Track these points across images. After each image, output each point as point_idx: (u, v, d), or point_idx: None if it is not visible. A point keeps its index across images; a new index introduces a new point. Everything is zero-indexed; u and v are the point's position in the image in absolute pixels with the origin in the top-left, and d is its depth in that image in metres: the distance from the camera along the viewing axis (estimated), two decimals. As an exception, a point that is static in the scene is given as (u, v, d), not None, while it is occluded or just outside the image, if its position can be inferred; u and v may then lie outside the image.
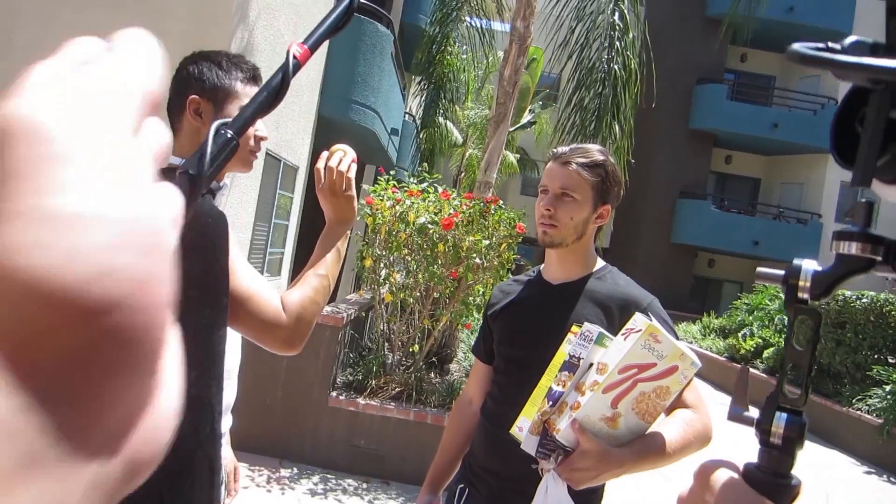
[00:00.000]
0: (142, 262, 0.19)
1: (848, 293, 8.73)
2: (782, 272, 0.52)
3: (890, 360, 8.52)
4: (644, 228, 21.11)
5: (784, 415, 0.50)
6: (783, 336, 10.36)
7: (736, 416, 0.55)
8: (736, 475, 0.50)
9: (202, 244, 1.11)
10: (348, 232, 1.38)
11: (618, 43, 6.70)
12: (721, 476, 0.50)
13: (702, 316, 14.55)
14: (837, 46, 0.42)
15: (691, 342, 13.05)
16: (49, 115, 0.19)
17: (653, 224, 20.98)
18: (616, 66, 6.65)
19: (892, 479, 6.92)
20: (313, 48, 0.63)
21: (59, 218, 0.17)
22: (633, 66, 6.71)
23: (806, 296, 0.50)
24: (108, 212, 0.18)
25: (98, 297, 0.17)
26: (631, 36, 6.73)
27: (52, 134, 0.19)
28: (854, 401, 8.06)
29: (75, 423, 0.18)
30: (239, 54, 1.39)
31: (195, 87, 1.30)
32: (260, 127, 1.37)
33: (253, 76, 1.35)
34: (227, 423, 1.44)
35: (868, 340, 8.47)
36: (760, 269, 0.55)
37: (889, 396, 7.52)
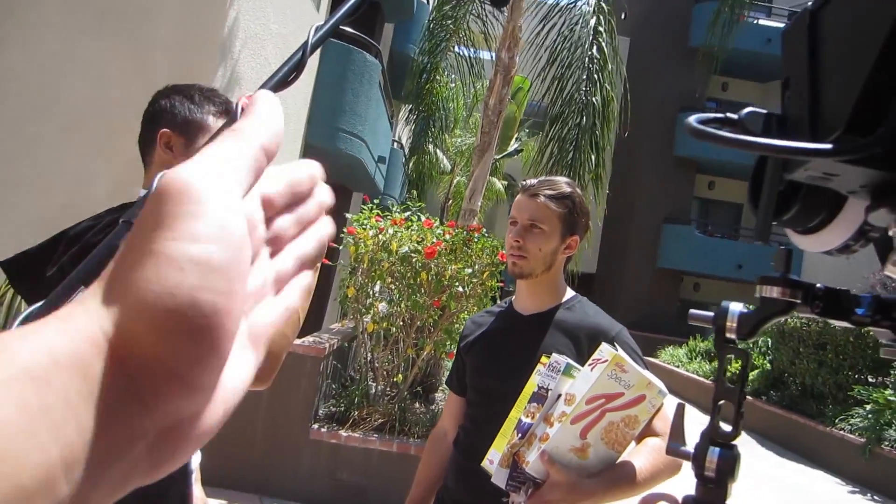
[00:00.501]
0: (234, 301, 0.27)
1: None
2: (712, 314, 0.55)
3: (870, 380, 8.62)
4: (630, 254, 21.27)
5: (717, 449, 0.52)
6: (767, 358, 10.53)
7: (674, 450, 0.58)
8: None
9: None
10: (318, 265, 1.37)
11: (596, 76, 6.82)
12: None
13: (688, 340, 14.61)
14: (735, 117, 0.45)
15: (678, 366, 13.07)
16: (194, 180, 0.27)
17: (639, 249, 21.16)
18: (594, 99, 6.77)
19: (876, 497, 6.94)
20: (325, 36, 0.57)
21: (187, 261, 0.25)
22: (611, 97, 6.82)
23: (733, 336, 0.53)
24: (222, 262, 0.26)
25: (197, 321, 0.25)
26: (609, 68, 6.85)
27: (193, 195, 0.26)
28: (837, 421, 8.13)
29: (149, 393, 0.26)
30: (212, 88, 1.39)
31: (167, 120, 1.31)
32: None
33: (226, 109, 1.35)
34: (195, 458, 1.42)
35: (848, 361, 8.58)
36: (693, 312, 0.58)
37: (870, 416, 7.59)
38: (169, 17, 5.01)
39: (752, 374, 10.41)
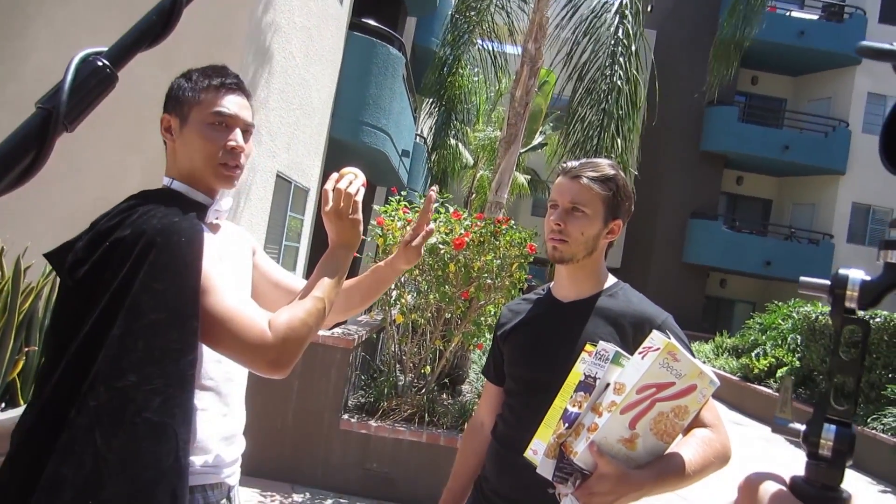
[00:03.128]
0: None
1: (860, 312, 8.66)
2: (828, 282, 0.51)
3: (904, 380, 8.42)
4: (656, 249, 21.05)
5: (833, 426, 0.49)
6: (797, 356, 10.33)
7: (781, 427, 0.54)
8: (784, 488, 0.49)
9: (174, 265, 1.08)
10: (350, 257, 1.33)
11: (621, 58, 6.70)
12: (768, 488, 0.49)
13: (714, 336, 14.42)
14: None
15: (704, 362, 12.89)
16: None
17: (665, 244, 20.93)
18: (619, 81, 6.65)
19: (909, 499, 6.79)
20: None
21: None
22: (637, 80, 6.69)
23: (853, 305, 0.50)
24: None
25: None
26: (633, 48, 6.72)
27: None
28: (869, 420, 7.98)
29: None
30: (218, 66, 1.35)
31: (166, 105, 1.30)
32: (235, 136, 1.30)
33: (223, 84, 1.30)
34: (240, 448, 1.41)
35: (882, 360, 8.40)
36: (804, 279, 0.54)
37: (905, 416, 7.42)
38: (195, 11, 5.01)
39: (781, 371, 10.24)
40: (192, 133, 1.26)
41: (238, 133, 1.31)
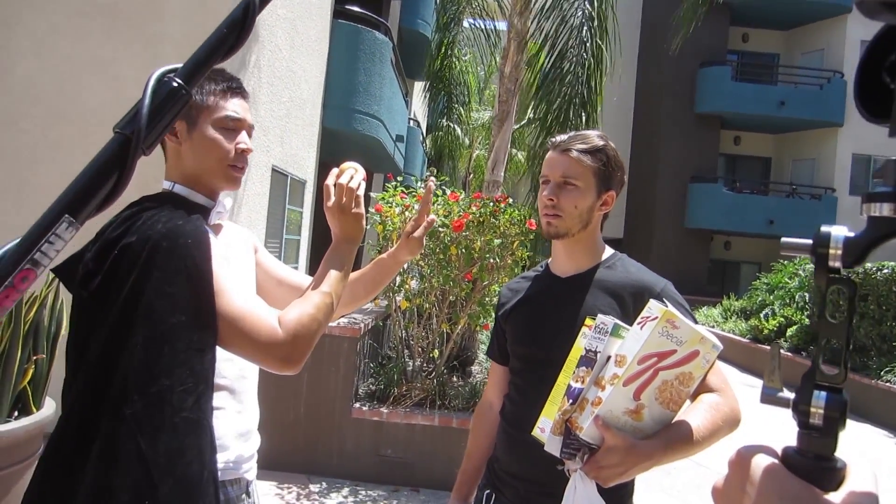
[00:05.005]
0: None
1: (868, 265, 8.62)
2: (809, 241, 0.49)
3: (916, 330, 8.40)
4: (657, 216, 20.99)
5: (823, 393, 0.47)
6: (806, 314, 10.32)
7: (770, 397, 0.51)
8: (776, 461, 0.47)
9: (184, 268, 1.09)
10: (355, 250, 1.36)
11: (585, 28, 6.62)
12: (760, 462, 0.46)
13: (721, 299, 14.42)
14: None
15: (713, 326, 12.93)
16: None
17: (665, 211, 20.87)
18: (584, 54, 6.57)
19: (925, 450, 6.81)
20: None
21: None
22: (601, 50, 6.60)
23: (838, 264, 0.47)
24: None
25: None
26: (597, 23, 6.63)
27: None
28: (882, 373, 7.96)
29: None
30: (219, 69, 1.36)
31: None
32: (243, 139, 1.34)
33: (229, 87, 1.33)
34: (255, 443, 1.44)
35: (892, 311, 8.36)
36: (786, 240, 0.51)
37: (917, 367, 7.42)
38: (177, 12, 4.99)
39: (791, 330, 10.23)
40: (202, 137, 1.29)
41: (245, 135, 1.35)
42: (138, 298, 1.05)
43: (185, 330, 1.07)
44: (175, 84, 0.49)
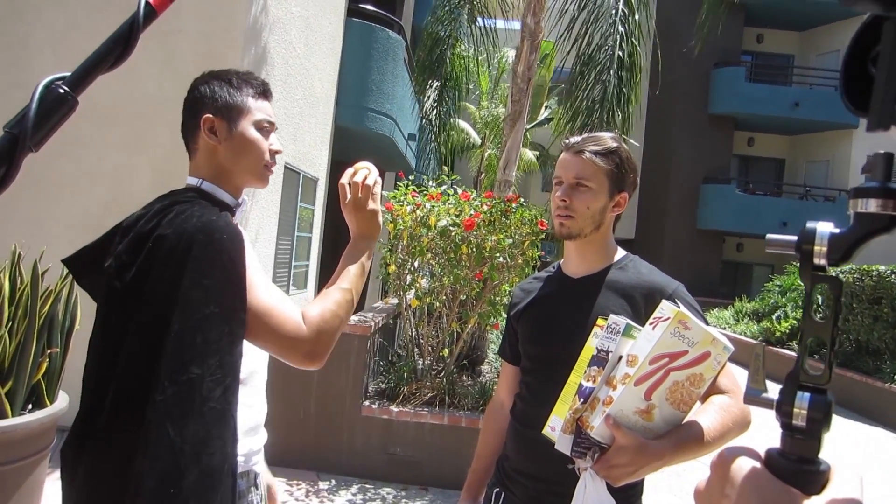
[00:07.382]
0: None
1: (882, 268, 8.56)
2: (794, 238, 0.47)
3: (929, 335, 8.33)
4: (669, 217, 20.88)
5: (807, 394, 0.45)
6: (819, 315, 10.18)
7: (753, 398, 0.50)
8: (758, 464, 0.45)
9: (220, 261, 1.12)
10: (373, 247, 1.39)
11: (622, 28, 6.57)
12: (742, 466, 0.45)
13: (733, 301, 14.32)
14: None
15: (724, 328, 12.86)
16: None
17: (678, 212, 20.75)
18: (620, 52, 6.53)
19: (939, 455, 6.74)
20: None
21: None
22: (636, 50, 6.56)
23: (823, 262, 0.46)
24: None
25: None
26: (636, 18, 6.59)
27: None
28: (895, 377, 7.89)
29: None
30: (248, 71, 1.41)
31: (208, 106, 1.32)
32: (274, 140, 1.38)
33: (263, 91, 1.38)
34: (261, 439, 1.45)
35: (903, 313, 8.30)
36: (771, 236, 0.50)
37: (931, 371, 7.35)
38: (192, 8, 5.02)
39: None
40: (243, 137, 1.33)
41: (274, 136, 1.39)
42: (175, 289, 1.08)
43: (218, 321, 1.10)
44: (62, 91, 0.53)
